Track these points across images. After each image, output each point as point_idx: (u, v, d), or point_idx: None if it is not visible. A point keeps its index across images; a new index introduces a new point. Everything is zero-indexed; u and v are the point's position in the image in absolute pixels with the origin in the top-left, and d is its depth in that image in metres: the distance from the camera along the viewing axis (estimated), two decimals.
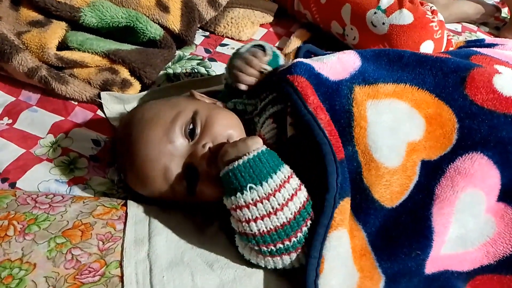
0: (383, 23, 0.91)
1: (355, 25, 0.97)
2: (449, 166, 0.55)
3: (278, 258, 0.53)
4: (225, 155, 0.54)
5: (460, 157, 0.55)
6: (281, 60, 0.73)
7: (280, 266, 0.54)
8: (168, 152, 0.57)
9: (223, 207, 0.55)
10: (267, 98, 0.65)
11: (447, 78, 0.60)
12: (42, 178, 0.68)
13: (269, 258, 0.53)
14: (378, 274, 0.55)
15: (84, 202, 0.61)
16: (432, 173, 0.55)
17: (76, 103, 0.82)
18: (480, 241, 0.56)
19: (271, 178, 0.51)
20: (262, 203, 0.50)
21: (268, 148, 0.54)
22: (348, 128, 0.57)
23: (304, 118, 0.55)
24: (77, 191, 0.67)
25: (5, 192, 0.62)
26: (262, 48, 0.71)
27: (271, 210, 0.50)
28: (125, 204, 0.62)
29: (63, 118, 0.79)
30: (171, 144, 0.58)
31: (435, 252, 0.55)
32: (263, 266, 0.54)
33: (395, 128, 0.56)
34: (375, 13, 0.92)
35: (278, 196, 0.50)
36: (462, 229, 0.55)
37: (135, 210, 0.61)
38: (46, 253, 0.53)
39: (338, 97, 0.58)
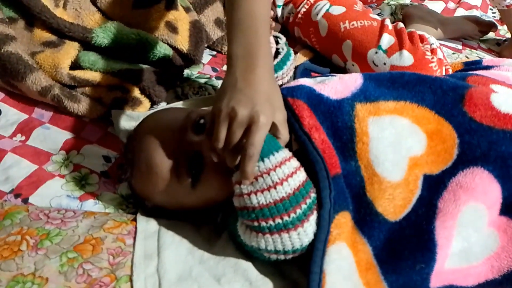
0: (384, 63, 0.93)
1: (356, 62, 0.98)
2: (451, 180, 0.56)
3: (277, 236, 0.53)
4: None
5: (461, 172, 0.56)
6: (292, 54, 0.74)
7: (279, 246, 0.54)
8: (178, 138, 0.60)
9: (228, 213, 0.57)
10: None
11: (446, 95, 0.61)
12: (54, 194, 0.70)
13: (269, 236, 0.53)
14: None
15: (95, 218, 0.63)
16: (434, 187, 0.56)
17: (87, 120, 0.84)
18: (483, 255, 0.56)
19: (273, 155, 0.53)
20: (262, 177, 0.52)
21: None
22: (350, 143, 0.58)
23: (300, 139, 0.58)
24: (88, 206, 0.69)
25: (18, 207, 0.64)
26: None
27: (271, 184, 0.52)
28: (135, 219, 0.63)
29: (74, 135, 0.81)
30: (182, 132, 0.60)
31: (439, 266, 0.55)
32: (264, 247, 0.54)
33: (397, 143, 0.58)
34: (376, 52, 0.94)
35: (278, 172, 0.52)
36: (465, 243, 0.56)
37: (144, 225, 0.62)
38: (58, 267, 0.54)
39: (340, 114, 0.60)
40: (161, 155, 0.59)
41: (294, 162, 0.55)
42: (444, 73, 0.93)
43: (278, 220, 0.53)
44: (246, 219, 0.54)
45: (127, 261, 0.56)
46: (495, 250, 0.56)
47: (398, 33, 0.96)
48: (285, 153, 0.55)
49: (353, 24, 0.99)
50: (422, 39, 0.96)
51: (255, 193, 0.52)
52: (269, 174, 0.52)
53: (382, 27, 0.97)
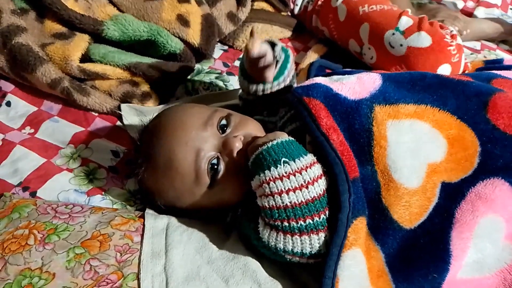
0: (401, 45, 0.91)
1: (372, 45, 0.97)
2: (470, 190, 0.55)
3: (307, 237, 0.52)
4: (257, 142, 0.57)
5: (481, 182, 0.55)
6: (291, 55, 0.73)
7: (308, 248, 0.53)
8: (203, 137, 0.59)
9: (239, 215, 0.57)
10: (286, 116, 0.66)
11: (469, 101, 0.60)
12: (62, 187, 0.69)
13: (298, 237, 0.52)
14: None
15: (102, 213, 0.62)
16: (452, 196, 0.55)
17: (96, 114, 0.83)
18: (497, 267, 0.55)
19: (302, 157, 0.53)
20: (295, 176, 0.52)
21: None
22: (367, 147, 0.57)
23: (317, 139, 0.57)
24: (95, 201, 0.68)
25: (26, 201, 0.63)
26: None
27: (303, 183, 0.52)
28: (142, 216, 0.63)
29: (83, 129, 0.80)
30: (207, 132, 0.60)
31: (451, 275, 0.54)
32: (290, 249, 0.53)
33: (415, 149, 0.56)
34: (393, 34, 0.92)
35: (309, 172, 0.52)
36: (479, 254, 0.55)
37: (152, 222, 0.62)
38: (65, 263, 0.54)
39: (358, 116, 0.59)
40: (183, 151, 0.59)
41: (319, 167, 0.54)
42: (462, 61, 0.91)
43: (309, 221, 0.52)
44: (275, 219, 0.53)
45: (135, 258, 0.56)
46: (509, 263, 0.55)
47: (418, 18, 0.94)
48: (312, 157, 0.55)
49: (372, 8, 0.98)
50: (441, 26, 0.94)
51: (287, 192, 0.52)
52: (301, 174, 0.52)
53: (402, 12, 0.95)
